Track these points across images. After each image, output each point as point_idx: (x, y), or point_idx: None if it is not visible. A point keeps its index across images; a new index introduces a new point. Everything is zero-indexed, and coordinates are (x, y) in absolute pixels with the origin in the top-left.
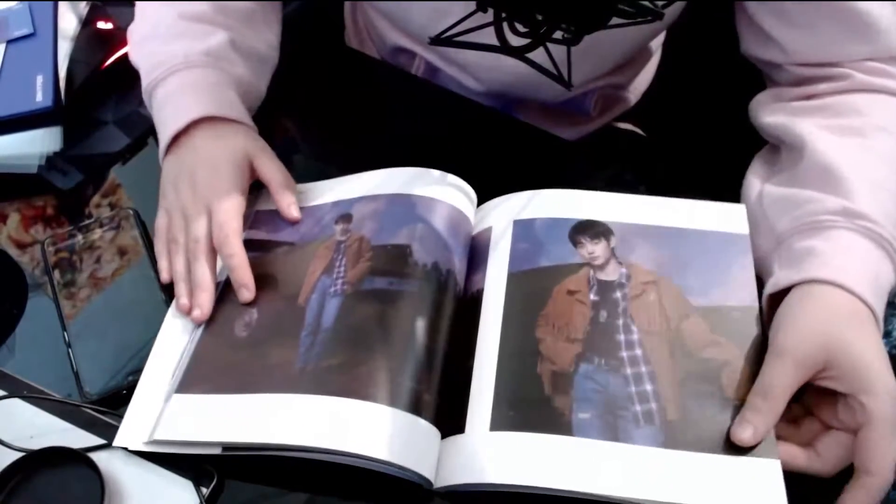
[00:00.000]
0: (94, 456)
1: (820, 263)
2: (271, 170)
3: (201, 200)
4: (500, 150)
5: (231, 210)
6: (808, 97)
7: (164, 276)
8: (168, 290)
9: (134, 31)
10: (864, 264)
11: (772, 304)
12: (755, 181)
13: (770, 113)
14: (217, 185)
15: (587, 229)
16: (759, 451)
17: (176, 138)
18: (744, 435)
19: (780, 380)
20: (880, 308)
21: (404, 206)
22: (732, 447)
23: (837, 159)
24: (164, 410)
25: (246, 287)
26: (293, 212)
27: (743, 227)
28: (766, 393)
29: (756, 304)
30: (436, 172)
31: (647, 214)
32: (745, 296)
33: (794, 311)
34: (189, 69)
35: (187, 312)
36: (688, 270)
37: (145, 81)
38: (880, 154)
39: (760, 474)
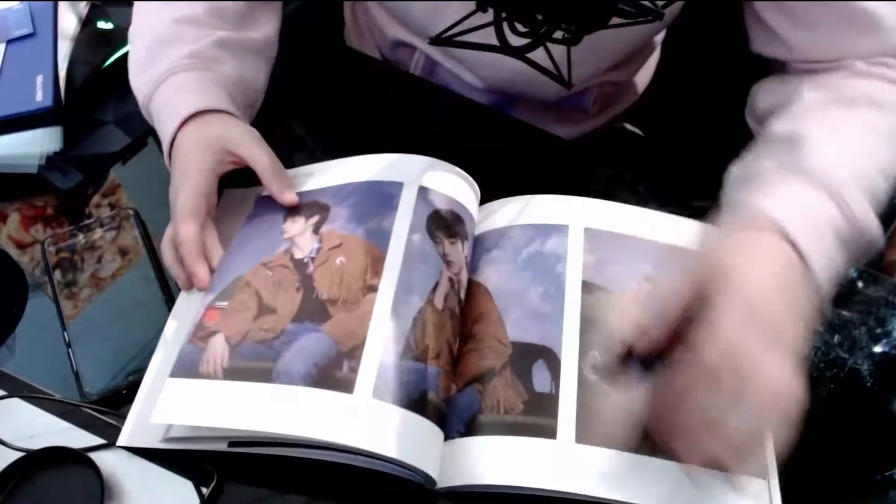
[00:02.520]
0: (94, 456)
1: (753, 198)
2: (259, 158)
3: (174, 193)
4: (499, 149)
5: (188, 195)
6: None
7: (185, 286)
8: (168, 290)
9: (133, 39)
10: (792, 199)
11: None
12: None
13: (769, 90)
14: (182, 173)
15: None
16: (747, 470)
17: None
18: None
19: (673, 281)
20: (815, 242)
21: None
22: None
23: (806, 127)
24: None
25: (196, 277)
26: (286, 196)
27: None
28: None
29: None
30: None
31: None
32: None
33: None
34: (173, 75)
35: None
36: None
37: (139, 99)
38: (860, 126)
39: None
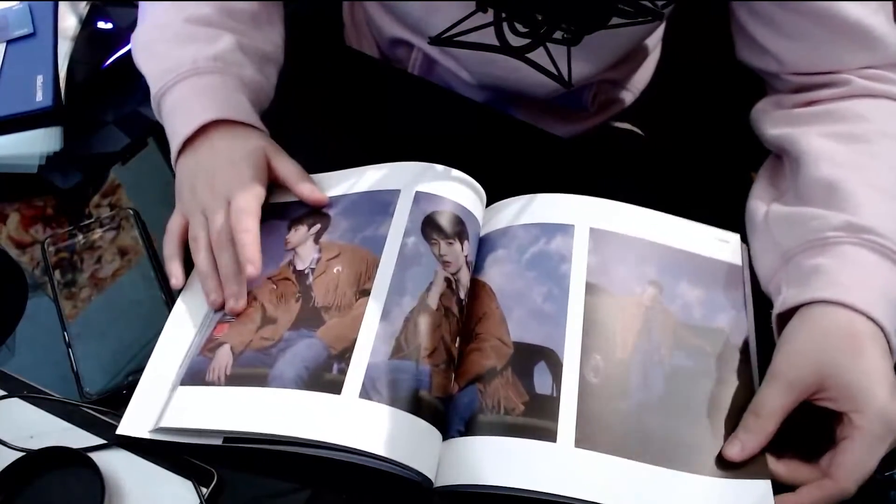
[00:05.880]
0: (94, 456)
1: (826, 282)
2: (287, 166)
3: (221, 195)
4: (498, 149)
5: (250, 197)
6: (809, 103)
7: (176, 282)
8: (168, 290)
9: (139, 35)
10: (871, 280)
11: (781, 324)
12: (760, 204)
13: (772, 123)
14: (237, 179)
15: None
16: (749, 472)
17: (190, 141)
18: (732, 451)
19: (772, 401)
20: (893, 320)
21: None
22: (723, 467)
23: (840, 173)
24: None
25: (252, 263)
26: (317, 195)
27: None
28: (759, 413)
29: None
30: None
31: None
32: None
33: (792, 334)
34: (198, 75)
35: (220, 307)
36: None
37: (154, 88)
38: (887, 161)
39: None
